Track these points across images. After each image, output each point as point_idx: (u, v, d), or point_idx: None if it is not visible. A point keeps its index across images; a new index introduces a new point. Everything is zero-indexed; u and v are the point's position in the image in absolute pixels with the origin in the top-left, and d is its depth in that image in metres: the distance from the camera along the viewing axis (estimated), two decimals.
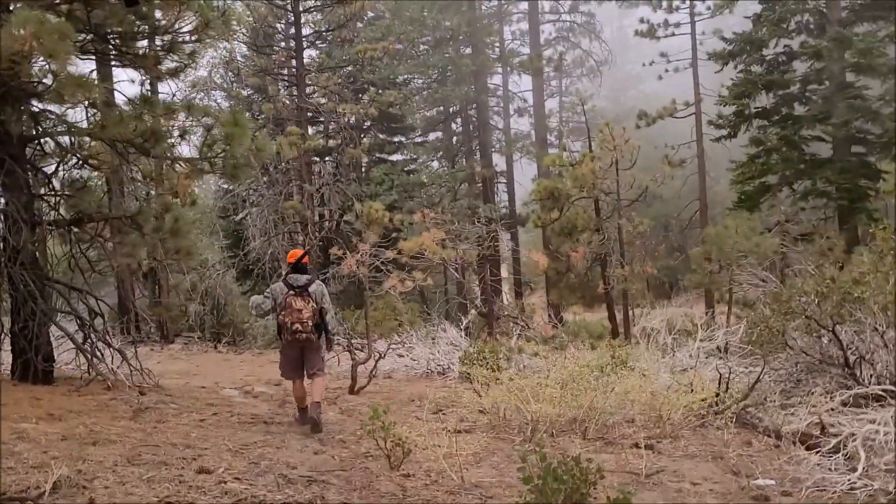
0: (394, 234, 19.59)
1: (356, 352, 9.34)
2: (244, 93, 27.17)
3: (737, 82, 18.47)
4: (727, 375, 7.32)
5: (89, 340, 8.13)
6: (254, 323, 22.16)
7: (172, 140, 7.94)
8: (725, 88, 19.17)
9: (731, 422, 6.49)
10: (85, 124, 7.71)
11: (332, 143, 29.07)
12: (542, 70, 27.64)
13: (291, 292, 6.54)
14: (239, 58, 25.89)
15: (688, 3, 24.04)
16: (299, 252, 6.97)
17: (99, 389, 7.77)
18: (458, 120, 33.10)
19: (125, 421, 6.33)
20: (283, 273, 6.82)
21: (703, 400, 6.60)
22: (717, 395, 6.83)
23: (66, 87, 6.42)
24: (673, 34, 24.33)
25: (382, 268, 8.58)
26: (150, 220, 7.90)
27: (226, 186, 28.69)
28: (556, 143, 32.74)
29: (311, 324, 6.49)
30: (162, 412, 6.84)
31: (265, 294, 6.75)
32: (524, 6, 29.52)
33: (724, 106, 19.08)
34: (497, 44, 30.02)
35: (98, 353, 8.31)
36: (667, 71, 24.62)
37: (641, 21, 24.57)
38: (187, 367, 13.02)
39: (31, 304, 7.59)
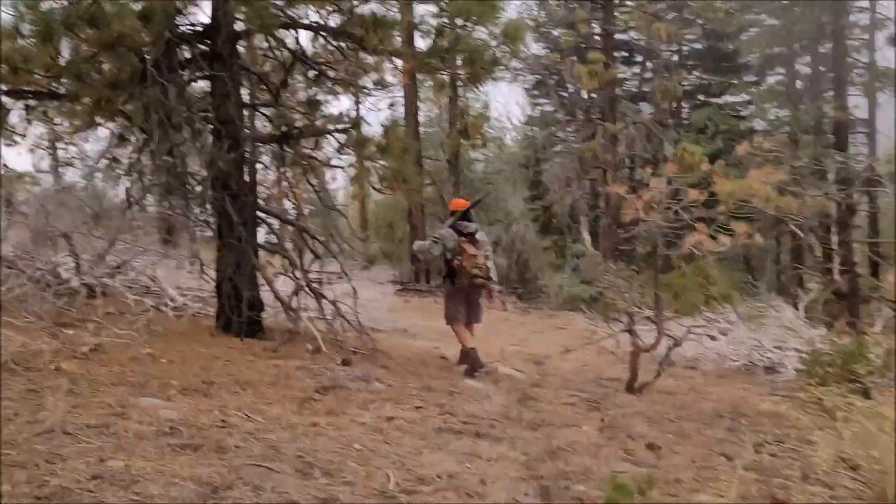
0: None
1: (642, 331, 6.62)
2: (554, 33, 25.24)
3: None
4: None
5: (302, 288, 6.59)
6: (550, 281, 20.89)
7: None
8: None
9: None
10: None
11: (647, 88, 25.81)
12: None
13: (463, 238, 6.55)
14: None
15: None
16: (463, 202, 6.95)
17: (302, 351, 6.19)
18: (807, 58, 27.46)
19: (286, 407, 4.45)
20: (450, 221, 6.72)
21: None
22: None
23: None
24: None
25: (683, 216, 5.72)
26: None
27: (530, 134, 27.22)
28: None
29: (486, 268, 6.52)
30: (347, 397, 4.89)
31: (433, 239, 6.66)
32: None
33: None
34: None
35: (318, 304, 6.79)
36: None
37: None
38: None
39: (233, 240, 6.22)
